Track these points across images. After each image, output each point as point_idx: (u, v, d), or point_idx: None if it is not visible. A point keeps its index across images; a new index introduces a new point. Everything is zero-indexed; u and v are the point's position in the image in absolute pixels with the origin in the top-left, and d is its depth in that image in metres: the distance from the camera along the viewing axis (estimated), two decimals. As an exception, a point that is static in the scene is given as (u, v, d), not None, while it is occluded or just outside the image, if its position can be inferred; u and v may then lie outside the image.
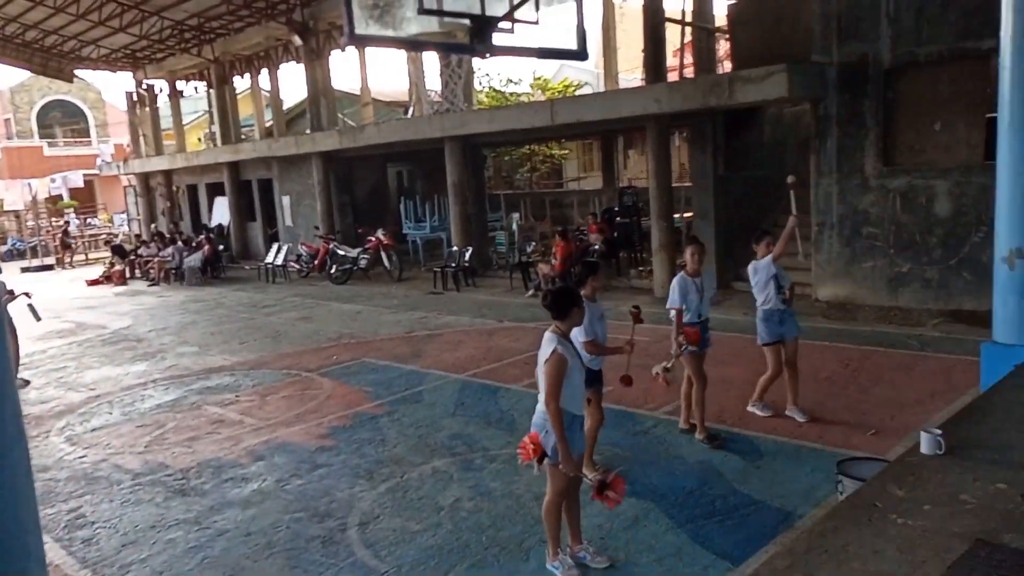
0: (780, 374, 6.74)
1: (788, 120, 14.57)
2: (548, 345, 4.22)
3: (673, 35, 15.31)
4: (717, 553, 4.61)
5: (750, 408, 6.94)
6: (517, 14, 5.30)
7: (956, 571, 2.70)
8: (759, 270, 6.65)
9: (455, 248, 16.69)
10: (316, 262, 18.98)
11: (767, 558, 3.47)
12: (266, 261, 20.21)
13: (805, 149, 12.51)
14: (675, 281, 6.30)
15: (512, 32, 5.39)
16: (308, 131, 21.06)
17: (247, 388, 9.27)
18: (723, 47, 18.19)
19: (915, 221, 10.61)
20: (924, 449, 3.69)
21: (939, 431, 3.75)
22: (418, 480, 6.05)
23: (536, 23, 5.38)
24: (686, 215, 15.79)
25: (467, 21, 5.10)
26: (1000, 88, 5.55)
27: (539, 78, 29.50)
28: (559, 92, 26.96)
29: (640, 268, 15.30)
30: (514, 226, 18.43)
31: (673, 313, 6.23)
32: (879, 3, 10.53)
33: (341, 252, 18.42)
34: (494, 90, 28.46)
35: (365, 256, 18.09)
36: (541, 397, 4.29)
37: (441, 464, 6.34)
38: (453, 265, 16.14)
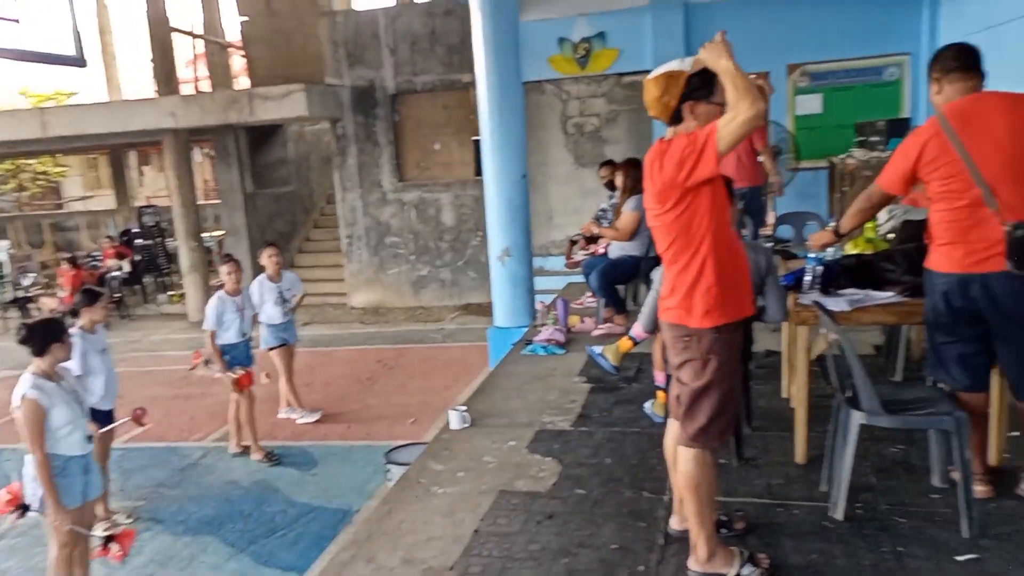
0: (293, 372, 7.05)
1: (310, 138, 15.10)
2: (19, 389, 3.73)
3: (183, 47, 14.59)
4: (283, 567, 4.62)
5: (299, 421, 7.07)
6: (-12, 6, 4.51)
7: (486, 520, 3.21)
8: (264, 291, 6.68)
9: (-82, 288, 13.33)
10: None
11: (332, 555, 3.62)
12: None
13: (328, 165, 13.13)
14: (211, 302, 6.07)
15: (-16, 27, 4.56)
16: None
17: None
18: (239, 62, 17.95)
19: (428, 230, 12.00)
20: (453, 425, 4.26)
21: (464, 407, 4.38)
22: None
23: (16, 21, 4.65)
24: (216, 233, 15.22)
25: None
26: (480, 115, 6.66)
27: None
28: (48, 100, 23.38)
29: (171, 292, 14.25)
30: (3, 256, 15.46)
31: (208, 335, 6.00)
32: (379, 35, 11.61)
33: None
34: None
35: None
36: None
37: (-72, 557, 5.06)
38: (-83, 309, 12.87)
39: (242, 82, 17.22)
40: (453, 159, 12.01)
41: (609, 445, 3.86)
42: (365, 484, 5.67)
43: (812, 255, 3.52)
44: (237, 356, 6.12)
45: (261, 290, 6.62)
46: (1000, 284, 2.69)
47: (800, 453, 3.41)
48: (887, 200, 3.06)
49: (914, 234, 4.37)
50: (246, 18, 15.01)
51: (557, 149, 9.73)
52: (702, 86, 2.39)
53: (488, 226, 6.86)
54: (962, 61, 2.78)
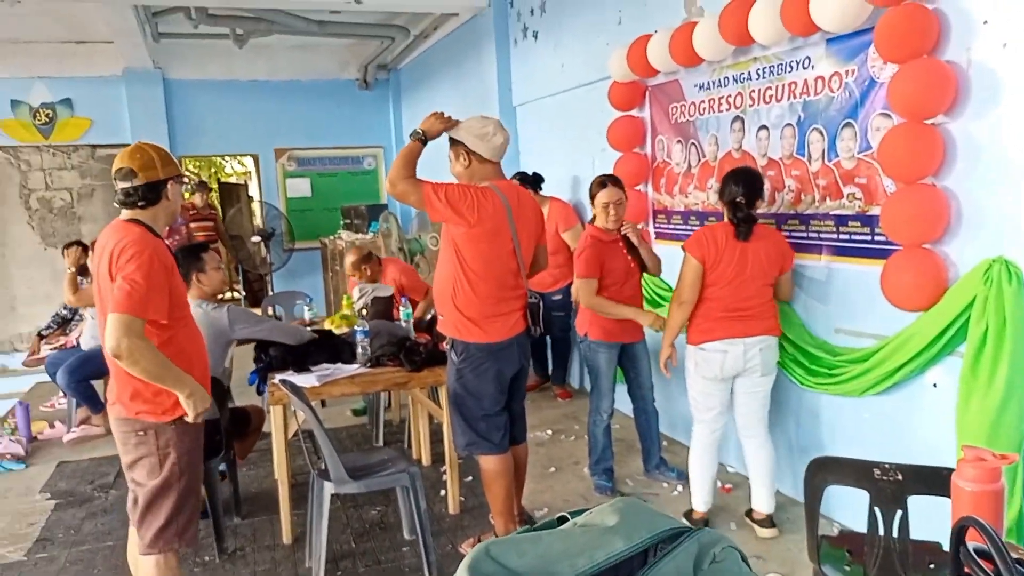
0: None
1: None
2: None
3: None
4: None
5: None
6: None
7: None
8: None
9: None
10: None
11: None
12: None
13: None
14: None
15: None
16: None
17: None
18: None
19: None
20: None
21: None
22: None
23: None
24: None
25: None
26: None
27: None
28: None
29: None
30: None
31: None
32: None
33: None
34: None
35: None
36: None
37: None
38: None
39: None
40: None
41: (75, 568, 3.33)
42: None
43: (359, 328, 3.63)
44: None
45: None
46: (523, 341, 3.05)
47: (286, 533, 3.41)
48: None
49: (383, 310, 4.87)
50: None
51: (19, 227, 8.35)
52: None
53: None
54: None
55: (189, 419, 2.31)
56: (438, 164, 3.37)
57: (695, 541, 0.75)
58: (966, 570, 0.80)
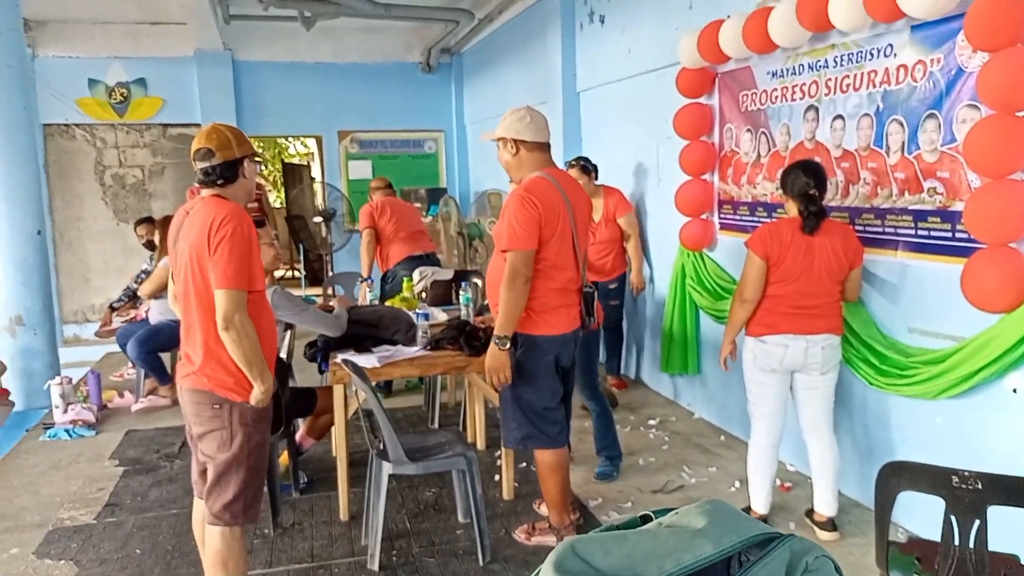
0: None
1: None
2: None
3: None
4: None
5: None
6: None
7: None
8: None
9: None
10: None
11: None
12: None
13: None
14: None
15: None
16: None
17: None
18: None
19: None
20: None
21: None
22: None
23: None
24: None
25: None
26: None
27: None
28: None
29: None
30: None
31: None
32: None
33: None
34: None
35: None
36: None
37: None
38: None
39: None
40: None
41: (141, 534, 3.45)
42: None
43: (419, 310, 3.67)
44: None
45: None
46: (577, 336, 3.03)
47: (343, 510, 3.47)
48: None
49: (443, 293, 4.90)
50: None
51: (94, 202, 8.67)
52: None
53: (-5, 291, 5.74)
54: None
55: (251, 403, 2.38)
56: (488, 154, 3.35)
57: (787, 548, 0.73)
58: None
